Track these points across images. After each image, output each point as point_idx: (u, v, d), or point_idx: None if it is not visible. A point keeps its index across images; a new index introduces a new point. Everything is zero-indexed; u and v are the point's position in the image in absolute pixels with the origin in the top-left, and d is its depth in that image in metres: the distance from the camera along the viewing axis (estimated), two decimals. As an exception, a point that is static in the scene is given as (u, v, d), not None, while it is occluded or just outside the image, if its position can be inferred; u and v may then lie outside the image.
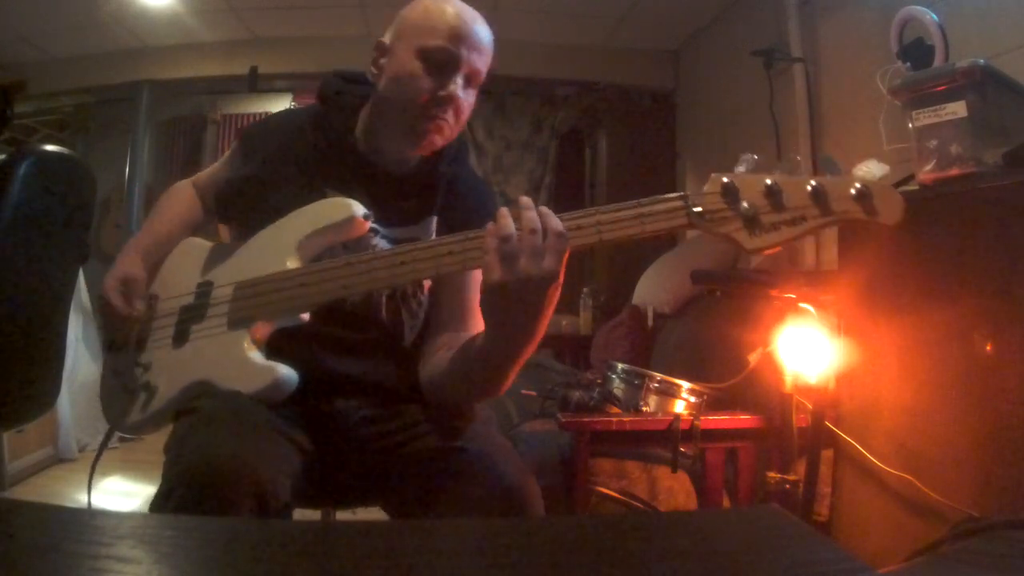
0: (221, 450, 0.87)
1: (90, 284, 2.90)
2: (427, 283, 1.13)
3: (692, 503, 1.78)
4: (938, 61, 1.59)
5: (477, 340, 0.95)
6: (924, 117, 1.40)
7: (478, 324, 1.05)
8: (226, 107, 4.11)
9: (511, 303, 0.85)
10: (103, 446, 1.18)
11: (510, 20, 3.63)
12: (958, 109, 1.35)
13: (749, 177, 0.84)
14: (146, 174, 4.09)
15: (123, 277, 1.14)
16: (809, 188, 0.81)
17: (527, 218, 0.84)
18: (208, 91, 4.08)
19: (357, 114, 1.16)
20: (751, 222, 0.82)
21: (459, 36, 1.06)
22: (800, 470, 1.62)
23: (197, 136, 4.14)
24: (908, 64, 1.61)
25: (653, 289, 3.00)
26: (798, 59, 2.59)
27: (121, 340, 1.15)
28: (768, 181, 0.82)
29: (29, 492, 2.64)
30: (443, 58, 1.05)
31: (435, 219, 1.14)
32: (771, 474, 1.65)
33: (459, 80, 1.07)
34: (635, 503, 1.74)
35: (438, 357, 1.07)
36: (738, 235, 0.82)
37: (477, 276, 1.06)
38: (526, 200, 0.86)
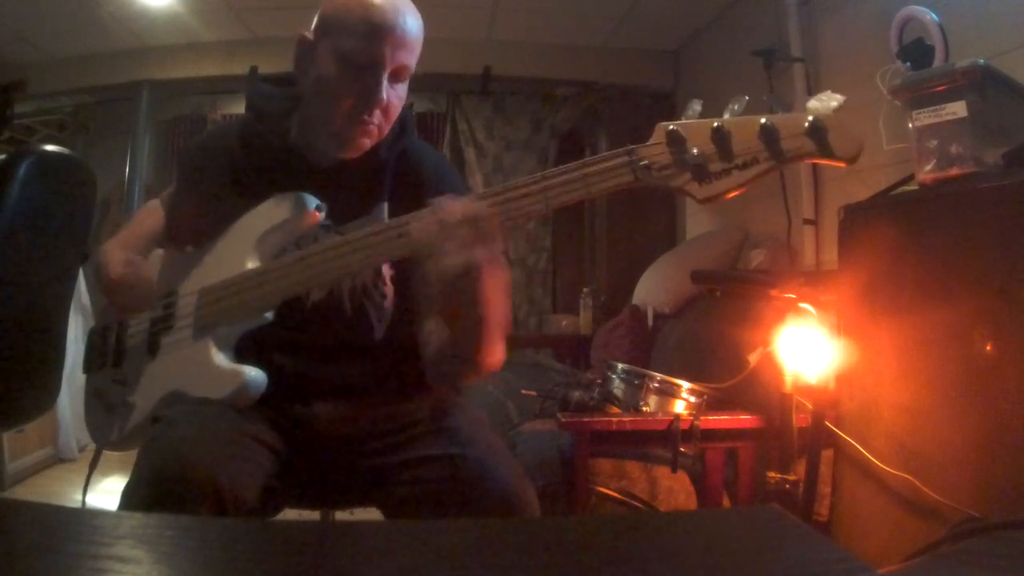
0: (177, 455, 0.88)
1: (90, 284, 2.90)
2: (389, 274, 1.12)
3: (692, 503, 1.78)
4: (938, 61, 1.59)
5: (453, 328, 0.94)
6: (924, 117, 1.40)
7: None
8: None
9: (460, 294, 0.85)
10: (94, 464, 1.19)
11: (510, 20, 3.63)
12: (958, 109, 1.35)
13: (695, 123, 0.79)
14: (146, 174, 4.08)
15: (124, 260, 1.13)
16: (759, 127, 0.76)
17: (449, 211, 0.84)
18: (208, 91, 4.07)
19: (290, 116, 1.13)
20: (700, 171, 0.78)
21: (381, 33, 1.00)
22: (800, 470, 1.62)
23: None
24: (908, 64, 1.61)
25: (653, 289, 3.00)
26: (798, 59, 2.59)
27: (99, 357, 1.16)
28: (715, 124, 0.78)
29: (29, 492, 2.64)
30: (365, 60, 1.01)
31: (385, 205, 1.12)
32: (771, 474, 1.65)
33: (384, 80, 1.02)
34: (635, 503, 1.74)
35: (434, 340, 1.04)
36: (689, 187, 0.79)
37: None
38: (442, 199, 0.86)
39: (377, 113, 1.05)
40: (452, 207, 0.85)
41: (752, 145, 0.77)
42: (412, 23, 1.04)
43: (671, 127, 0.79)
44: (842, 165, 0.77)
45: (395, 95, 1.06)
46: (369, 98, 1.03)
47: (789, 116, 0.77)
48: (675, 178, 0.79)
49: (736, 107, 0.79)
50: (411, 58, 1.05)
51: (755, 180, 0.78)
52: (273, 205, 1.06)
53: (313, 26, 1.07)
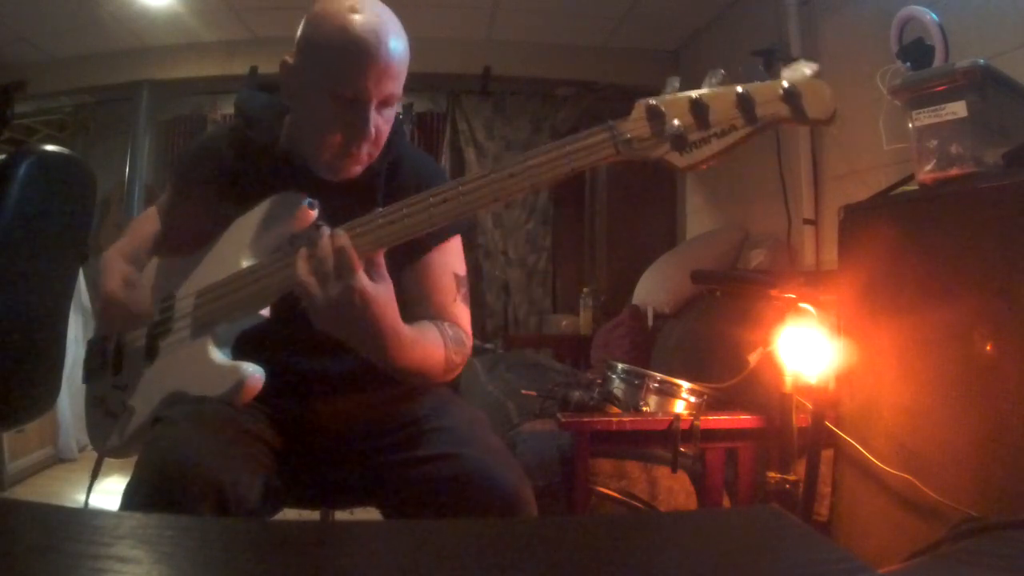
0: (178, 455, 0.89)
1: (90, 284, 2.90)
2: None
3: (692, 503, 1.78)
4: (938, 61, 1.58)
5: None
6: (924, 117, 1.40)
7: (442, 311, 1.11)
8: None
9: (335, 324, 0.90)
10: (96, 471, 1.19)
11: (510, 20, 3.63)
12: (958, 109, 1.35)
13: (674, 97, 0.83)
14: (146, 174, 4.09)
15: (123, 275, 1.13)
16: (735, 96, 0.80)
17: (318, 247, 0.89)
18: (208, 91, 4.08)
19: (280, 122, 1.13)
20: (680, 141, 0.81)
21: (364, 67, 0.98)
22: (800, 470, 1.62)
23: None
24: (908, 64, 1.61)
25: (653, 289, 3.00)
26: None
27: (99, 365, 1.16)
28: (693, 96, 0.81)
29: (29, 492, 2.64)
30: (350, 95, 1.00)
31: (379, 211, 1.13)
32: (771, 474, 1.65)
33: (371, 113, 1.02)
34: (635, 503, 1.74)
35: None
36: (670, 157, 0.82)
37: (443, 256, 1.11)
38: (323, 230, 0.91)
39: (365, 145, 1.05)
40: (311, 248, 0.90)
41: (730, 114, 0.80)
42: (395, 47, 1.01)
43: (651, 102, 0.83)
44: (819, 125, 0.81)
45: (383, 121, 1.05)
46: (356, 133, 1.02)
47: (765, 84, 0.81)
48: (655, 149, 0.82)
49: (713, 80, 0.83)
50: (397, 86, 1.04)
51: (735, 147, 0.81)
52: (268, 205, 1.06)
53: (295, 49, 1.05)
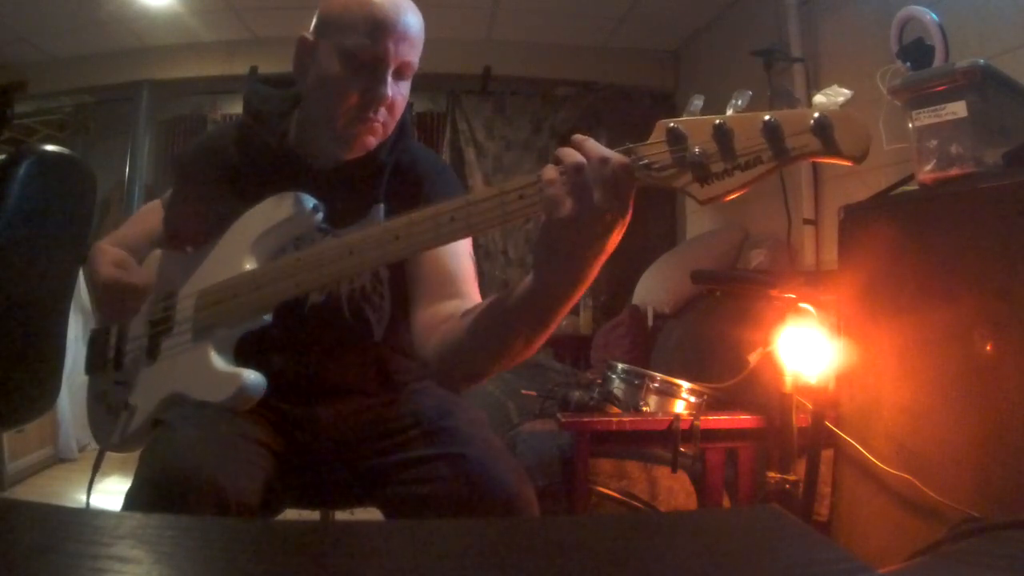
0: (179, 461, 0.89)
1: (90, 284, 2.89)
2: (386, 276, 1.11)
3: (692, 503, 1.78)
4: (938, 61, 1.58)
5: (514, 293, 0.86)
6: (924, 117, 1.40)
7: (473, 291, 1.04)
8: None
9: (574, 241, 0.78)
10: (97, 465, 1.19)
11: (510, 20, 3.64)
12: (958, 109, 1.35)
13: (696, 120, 0.76)
14: (146, 174, 4.09)
15: (114, 259, 1.10)
16: (762, 124, 0.72)
17: (590, 148, 0.77)
18: (208, 91, 4.08)
19: (288, 117, 1.12)
20: (701, 170, 0.74)
21: (384, 29, 0.99)
22: (800, 470, 1.62)
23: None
24: (908, 64, 1.61)
25: (653, 289, 3.00)
26: (798, 59, 2.59)
27: (101, 359, 1.15)
28: (717, 121, 0.74)
29: (29, 492, 2.64)
30: (368, 57, 1.00)
31: (381, 206, 1.10)
32: (771, 474, 1.65)
33: (389, 77, 1.02)
34: (635, 503, 1.74)
35: (449, 327, 0.97)
36: (691, 188, 0.75)
37: (461, 245, 1.05)
38: (581, 136, 0.80)
39: (382, 111, 1.04)
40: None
41: (755, 143, 0.73)
42: (414, 20, 1.04)
43: (672, 124, 0.76)
44: (849, 164, 0.72)
45: (399, 92, 1.05)
46: (374, 95, 1.02)
47: (794, 112, 0.73)
48: (676, 178, 0.76)
49: (739, 102, 0.76)
50: (414, 55, 1.04)
51: (758, 181, 0.74)
52: (271, 205, 1.05)
53: (313, 26, 1.06)
